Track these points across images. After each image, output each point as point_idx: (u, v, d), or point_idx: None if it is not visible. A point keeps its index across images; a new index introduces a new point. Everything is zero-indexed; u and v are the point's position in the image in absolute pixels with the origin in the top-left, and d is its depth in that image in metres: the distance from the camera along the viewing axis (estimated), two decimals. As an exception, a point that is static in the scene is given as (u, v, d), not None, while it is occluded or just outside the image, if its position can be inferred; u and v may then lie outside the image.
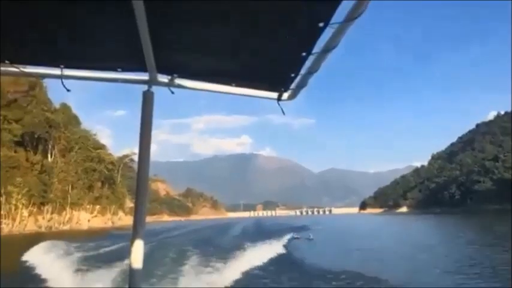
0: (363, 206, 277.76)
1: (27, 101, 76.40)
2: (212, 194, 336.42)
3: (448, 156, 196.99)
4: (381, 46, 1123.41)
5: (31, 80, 79.24)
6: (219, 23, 1.75)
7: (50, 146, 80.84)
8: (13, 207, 67.20)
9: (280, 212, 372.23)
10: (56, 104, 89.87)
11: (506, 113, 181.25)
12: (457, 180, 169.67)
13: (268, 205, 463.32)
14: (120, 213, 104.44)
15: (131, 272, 2.28)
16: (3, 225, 63.67)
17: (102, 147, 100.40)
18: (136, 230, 2.30)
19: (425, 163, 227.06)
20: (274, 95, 2.34)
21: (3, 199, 65.22)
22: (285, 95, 2.34)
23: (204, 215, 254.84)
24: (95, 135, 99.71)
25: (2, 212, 63.51)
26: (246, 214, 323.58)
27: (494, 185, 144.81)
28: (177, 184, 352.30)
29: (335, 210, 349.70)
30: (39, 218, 74.02)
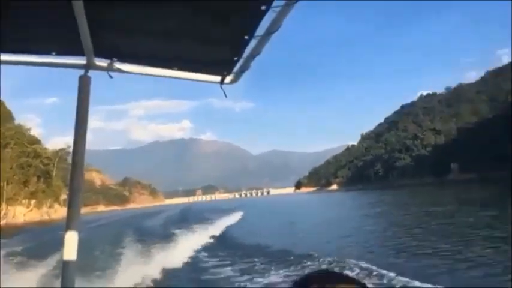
0: (298, 185, 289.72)
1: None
2: (150, 182, 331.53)
3: (376, 135, 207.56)
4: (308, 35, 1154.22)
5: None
6: (160, 5, 1.71)
7: (-18, 143, 78.78)
8: None
9: (219, 196, 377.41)
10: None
11: (428, 94, 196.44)
12: (382, 158, 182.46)
13: (208, 189, 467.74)
14: (56, 206, 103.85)
15: (65, 266, 2.20)
16: None
17: (38, 142, 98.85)
18: (70, 221, 2.23)
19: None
20: (217, 78, 2.31)
21: None
22: (228, 79, 2.31)
23: (142, 203, 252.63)
24: (29, 129, 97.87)
25: None
26: (185, 200, 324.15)
27: (413, 161, 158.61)
28: (114, 173, 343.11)
29: (273, 191, 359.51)
30: (-27, 215, 72.90)
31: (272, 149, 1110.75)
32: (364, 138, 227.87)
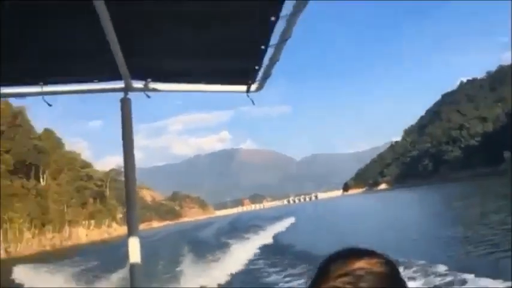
0: (346, 187, 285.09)
1: (14, 131, 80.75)
2: (198, 195, 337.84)
3: (419, 129, 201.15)
4: (339, 30, 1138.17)
5: (14, 110, 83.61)
6: (185, 26, 1.89)
7: (41, 171, 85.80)
8: (17, 231, 72.42)
9: (268, 204, 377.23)
10: (39, 130, 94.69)
11: (468, 80, 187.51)
12: (428, 152, 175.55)
13: (255, 198, 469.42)
14: (114, 225, 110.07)
15: (132, 276, 2.36)
16: (11, 249, 69.15)
17: (89, 165, 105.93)
18: (131, 235, 2.38)
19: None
20: (243, 88, 2.48)
21: (7, 225, 70.34)
22: (253, 87, 2.47)
23: (193, 216, 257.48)
24: (79, 154, 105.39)
25: (8, 237, 68.87)
26: (234, 210, 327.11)
27: (462, 152, 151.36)
28: (162, 188, 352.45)
29: (321, 195, 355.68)
30: (42, 238, 79.38)
31: (314, 153, 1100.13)
32: (408, 133, 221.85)
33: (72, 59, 2.15)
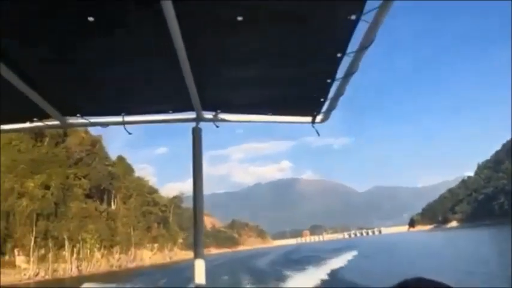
0: (412, 223, 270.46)
1: (91, 158, 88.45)
2: (257, 223, 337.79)
3: (494, 164, 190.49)
4: (400, 55, 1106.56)
5: (93, 139, 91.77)
6: (254, 61, 2.02)
7: (112, 195, 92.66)
8: (88, 251, 78.21)
9: (328, 236, 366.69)
10: (113, 157, 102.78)
11: None
12: (504, 189, 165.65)
13: (315, 229, 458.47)
14: (175, 249, 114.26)
15: None
16: (82, 267, 74.82)
17: (156, 191, 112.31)
18: (197, 258, 2.55)
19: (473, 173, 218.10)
20: (308, 119, 2.60)
21: (80, 245, 76.37)
22: (318, 118, 2.59)
23: (251, 244, 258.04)
24: (148, 181, 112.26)
25: (80, 256, 74.69)
26: (293, 241, 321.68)
27: None
28: (222, 216, 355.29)
29: (384, 230, 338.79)
30: (110, 258, 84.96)
31: (377, 185, 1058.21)
32: (482, 168, 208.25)
33: (151, 92, 2.37)
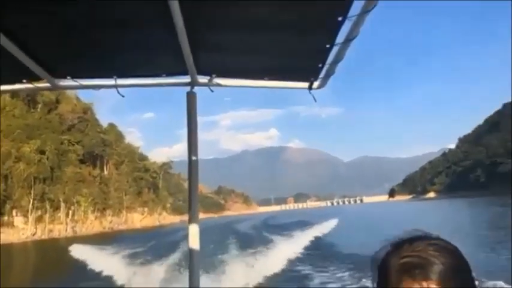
0: (392, 193, 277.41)
1: (83, 125, 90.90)
2: (243, 190, 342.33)
3: (475, 138, 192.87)
4: (397, 28, 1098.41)
5: (84, 106, 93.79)
6: (251, 25, 1.94)
7: (105, 161, 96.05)
8: (82, 213, 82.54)
9: (311, 204, 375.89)
10: (103, 123, 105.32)
11: None
12: (482, 163, 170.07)
13: (299, 197, 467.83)
14: (164, 213, 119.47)
15: (191, 258, 2.54)
16: (77, 228, 79.45)
17: (146, 158, 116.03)
18: (192, 222, 2.57)
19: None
20: (305, 84, 2.50)
21: (75, 207, 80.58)
22: (315, 84, 2.49)
23: (237, 210, 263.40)
24: (138, 147, 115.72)
25: (75, 217, 79.27)
26: (277, 208, 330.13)
27: None
28: (209, 182, 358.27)
29: (366, 199, 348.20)
30: (103, 220, 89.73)
31: (364, 155, 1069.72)
32: (463, 141, 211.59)
33: (145, 54, 2.33)
